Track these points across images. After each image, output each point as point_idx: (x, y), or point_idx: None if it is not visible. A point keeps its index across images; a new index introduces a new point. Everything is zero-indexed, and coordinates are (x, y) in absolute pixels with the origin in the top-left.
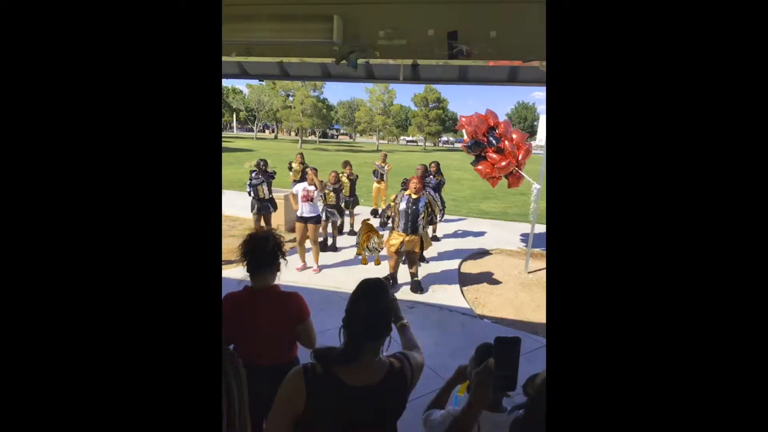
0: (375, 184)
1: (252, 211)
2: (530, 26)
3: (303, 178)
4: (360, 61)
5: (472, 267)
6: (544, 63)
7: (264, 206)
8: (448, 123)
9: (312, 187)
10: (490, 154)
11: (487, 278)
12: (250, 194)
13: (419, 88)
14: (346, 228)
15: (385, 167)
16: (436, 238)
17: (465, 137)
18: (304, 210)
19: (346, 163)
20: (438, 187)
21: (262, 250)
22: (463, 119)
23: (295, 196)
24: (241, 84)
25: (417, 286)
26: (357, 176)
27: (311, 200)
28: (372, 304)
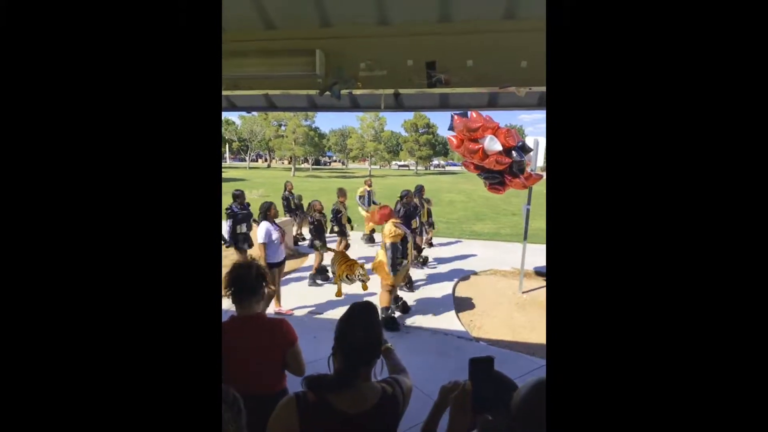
0: (364, 213)
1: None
2: (506, 54)
3: (266, 217)
4: (344, 91)
5: (466, 289)
6: (521, 89)
7: (231, 242)
8: (438, 147)
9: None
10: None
11: (482, 300)
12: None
13: (409, 115)
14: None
15: (371, 190)
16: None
17: (487, 149)
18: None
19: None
20: (409, 212)
21: (246, 280)
22: (458, 120)
23: (263, 244)
24: (233, 115)
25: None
26: (324, 215)
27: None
28: (363, 326)
